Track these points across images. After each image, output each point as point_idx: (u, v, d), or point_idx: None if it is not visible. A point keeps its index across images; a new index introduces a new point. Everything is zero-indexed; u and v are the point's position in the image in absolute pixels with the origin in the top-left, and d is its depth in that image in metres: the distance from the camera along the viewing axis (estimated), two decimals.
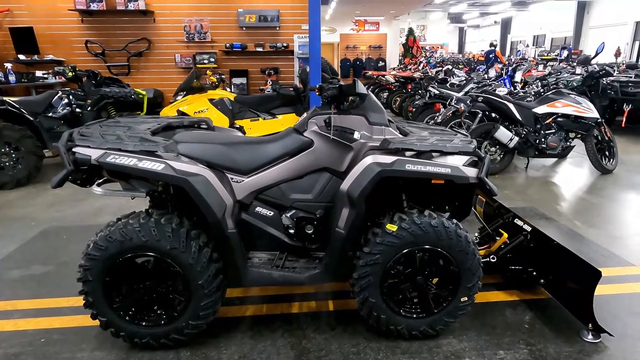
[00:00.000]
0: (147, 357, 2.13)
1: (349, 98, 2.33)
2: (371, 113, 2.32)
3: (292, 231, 2.36)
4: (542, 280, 2.58)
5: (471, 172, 2.10)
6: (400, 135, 2.32)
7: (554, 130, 5.46)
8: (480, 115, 5.83)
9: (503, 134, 5.27)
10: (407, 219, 2.10)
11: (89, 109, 5.74)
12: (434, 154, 2.13)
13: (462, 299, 2.19)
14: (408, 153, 2.12)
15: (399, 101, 10.65)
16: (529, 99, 5.90)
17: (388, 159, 2.04)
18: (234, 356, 2.13)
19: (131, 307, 2.10)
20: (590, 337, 2.24)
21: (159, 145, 2.00)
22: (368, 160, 2.05)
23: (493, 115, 5.92)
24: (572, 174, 5.70)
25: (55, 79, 7.15)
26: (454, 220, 2.16)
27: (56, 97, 5.69)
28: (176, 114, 5.96)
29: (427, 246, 2.11)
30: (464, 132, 2.52)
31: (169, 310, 2.11)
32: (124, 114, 6.03)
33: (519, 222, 2.83)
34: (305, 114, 2.49)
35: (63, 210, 4.27)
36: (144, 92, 6.35)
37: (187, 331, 2.12)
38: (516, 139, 5.31)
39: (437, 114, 6.35)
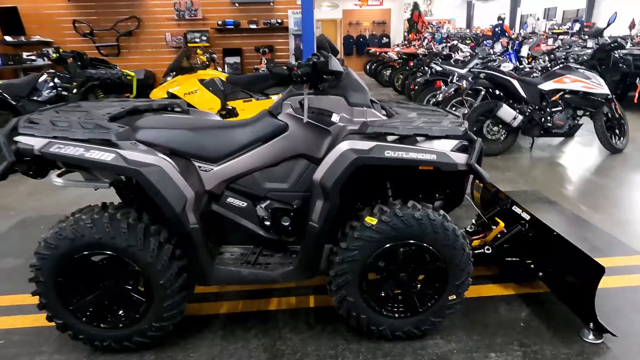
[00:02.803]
0: None
1: (326, 77, 2.10)
2: (351, 93, 2.09)
3: (267, 223, 2.18)
4: (540, 274, 2.37)
5: (460, 157, 1.88)
6: (384, 117, 2.10)
7: (560, 108, 5.16)
8: (483, 93, 5.54)
9: (506, 112, 4.99)
10: (388, 211, 1.89)
11: (74, 91, 5.53)
12: (419, 138, 1.91)
13: (450, 297, 2.00)
14: (390, 137, 1.90)
15: (402, 79, 10.29)
16: (535, 74, 5.58)
17: (366, 144, 1.82)
18: (201, 359, 1.98)
19: (89, 308, 1.94)
20: (591, 337, 2.05)
21: (111, 132, 1.79)
22: (343, 146, 1.83)
23: (497, 92, 5.62)
24: (579, 154, 5.43)
25: (44, 60, 6.94)
26: (441, 212, 1.95)
27: (41, 79, 5.49)
28: (166, 96, 5.75)
29: (410, 241, 1.91)
30: (456, 113, 2.28)
31: (130, 311, 1.95)
32: (111, 96, 5.83)
33: (517, 210, 2.61)
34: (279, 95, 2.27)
35: (42, 199, 4.12)
36: (132, 74, 6.12)
37: (150, 333, 1.97)
38: (520, 117, 5.03)
39: (438, 92, 6.06)
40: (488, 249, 2.50)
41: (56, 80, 5.54)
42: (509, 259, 2.49)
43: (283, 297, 2.43)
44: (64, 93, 5.56)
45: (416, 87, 7.23)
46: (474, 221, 2.94)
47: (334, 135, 2.07)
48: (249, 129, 2.14)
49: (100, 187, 2.08)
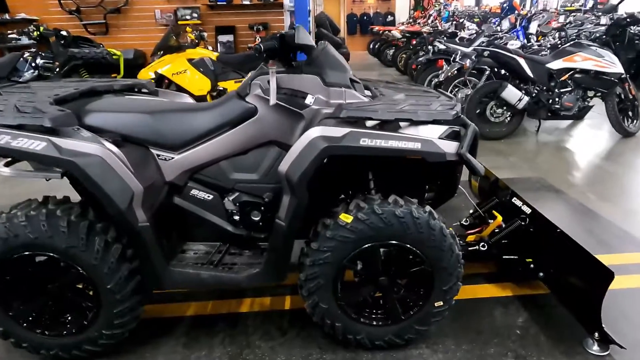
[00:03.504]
0: None
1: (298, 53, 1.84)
2: (328, 71, 1.83)
3: (235, 218, 1.95)
4: (541, 274, 2.13)
5: (449, 146, 1.63)
6: (364, 99, 1.83)
7: (570, 89, 4.83)
8: (488, 73, 5.21)
9: (511, 93, 4.67)
10: (365, 208, 1.65)
11: (56, 71, 5.28)
12: (402, 123, 1.65)
13: (436, 304, 1.78)
14: (369, 123, 1.65)
15: (404, 59, 9.90)
16: (544, 52, 5.23)
17: (338, 131, 1.57)
18: None
19: (32, 314, 1.74)
20: (595, 348, 1.83)
21: (45, 117, 1.55)
22: (312, 133, 1.58)
23: (503, 72, 5.29)
24: (589, 138, 5.12)
25: (29, 39, 6.66)
26: (427, 209, 1.70)
27: (21, 59, 5.23)
28: (153, 76, 5.49)
29: (391, 241, 1.67)
30: (449, 95, 2.01)
31: (78, 318, 1.75)
32: (96, 77, 5.57)
33: (518, 203, 2.36)
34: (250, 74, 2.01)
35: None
36: (118, 53, 5.85)
37: (102, 341, 1.77)
38: (526, 98, 4.71)
39: (440, 72, 5.73)
40: (484, 246, 2.26)
41: (38, 60, 5.29)
42: (507, 256, 2.25)
43: (257, 298, 2.22)
44: (47, 74, 5.31)
45: (418, 67, 6.88)
46: (472, 211, 2.70)
47: (308, 120, 1.81)
48: (214, 113, 1.90)
49: (52, 177, 1.86)
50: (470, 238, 2.37)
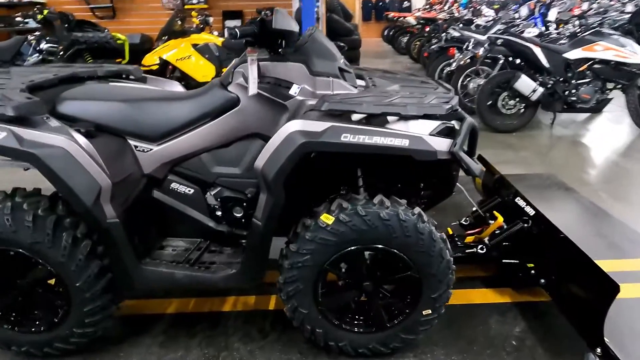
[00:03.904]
0: None
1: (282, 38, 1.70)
2: (315, 59, 1.70)
3: (217, 214, 1.85)
4: (542, 281, 1.99)
5: (441, 143, 1.49)
6: (354, 90, 1.70)
7: (588, 80, 4.58)
8: (501, 62, 4.99)
9: (525, 83, 4.45)
10: (348, 209, 1.53)
11: (59, 55, 5.23)
12: (390, 118, 1.52)
13: (424, 312, 1.66)
14: (355, 117, 1.52)
15: (418, 46, 9.62)
16: (562, 41, 4.97)
17: (318, 125, 1.45)
18: None
19: (1, 310, 1.68)
20: None
21: (8, 105, 1.46)
22: (290, 127, 1.46)
23: (518, 61, 5.05)
24: (607, 132, 4.87)
25: (35, 22, 6.62)
26: (416, 211, 1.57)
27: (25, 43, 5.19)
28: (158, 62, 5.41)
29: (375, 245, 1.56)
30: (448, 87, 1.86)
31: (48, 315, 1.68)
32: (99, 62, 5.50)
33: (521, 203, 2.21)
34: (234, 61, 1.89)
35: None
36: (123, 37, 5.76)
37: (73, 340, 1.70)
38: (541, 90, 4.48)
39: (452, 60, 5.52)
40: (482, 248, 2.13)
41: (43, 43, 5.23)
42: (507, 260, 2.11)
43: (241, 296, 2.13)
44: (50, 57, 5.26)
45: (430, 55, 6.66)
46: (474, 209, 2.55)
47: (292, 112, 1.69)
48: (195, 103, 1.79)
49: (29, 167, 1.78)
50: (469, 239, 2.23)
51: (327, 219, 1.53)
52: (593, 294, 1.68)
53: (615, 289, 1.54)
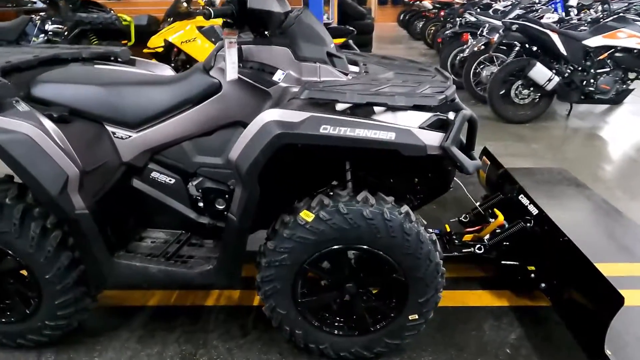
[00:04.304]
0: (3, 357, 1.69)
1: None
2: (301, 43, 1.58)
3: (199, 205, 1.77)
4: (543, 285, 1.86)
5: (432, 137, 1.36)
6: (342, 77, 1.58)
7: (608, 69, 4.34)
8: (517, 49, 4.76)
9: (540, 72, 4.23)
10: (329, 206, 1.42)
11: (64, 36, 5.17)
12: (377, 109, 1.39)
13: (410, 317, 1.55)
14: (340, 106, 1.40)
15: (433, 31, 9.33)
16: (582, 28, 4.71)
17: (296, 115, 1.33)
18: None
19: None
20: None
21: None
22: (266, 116, 1.35)
23: (534, 49, 4.81)
24: (626, 126, 4.63)
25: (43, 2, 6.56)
26: (403, 210, 1.46)
27: (30, 23, 5.14)
28: (163, 44, 5.31)
29: (358, 245, 1.45)
30: (447, 74, 1.72)
31: (19, 307, 1.63)
32: (104, 43, 5.43)
33: (524, 201, 2.07)
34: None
35: None
36: (129, 19, 5.66)
37: (46, 332, 1.65)
38: (557, 79, 4.26)
39: (465, 47, 5.29)
40: (480, 248, 2.00)
41: (48, 24, 5.17)
42: (506, 262, 1.99)
43: (225, 290, 2.06)
44: (55, 39, 5.20)
45: (443, 41, 6.42)
46: (479, 203, 2.41)
47: (275, 99, 1.58)
48: (176, 88, 1.69)
49: None
50: (467, 238, 2.11)
51: (306, 216, 1.43)
52: (596, 303, 1.56)
53: (620, 300, 1.41)
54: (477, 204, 2.43)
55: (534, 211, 1.99)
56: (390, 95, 1.35)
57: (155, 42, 5.27)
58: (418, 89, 1.43)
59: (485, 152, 2.66)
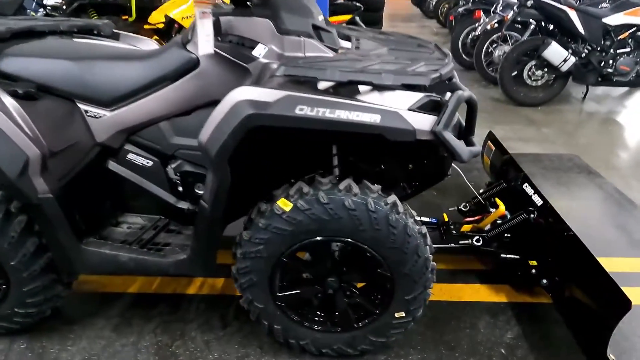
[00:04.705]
0: None
1: None
2: (283, 14, 1.44)
3: (178, 189, 1.66)
4: (544, 281, 1.74)
5: (422, 121, 1.23)
6: (329, 53, 1.44)
7: (628, 49, 4.08)
8: (532, 27, 4.51)
9: (555, 52, 3.99)
10: (309, 194, 1.30)
11: (62, 10, 5.04)
12: (363, 89, 1.25)
13: (396, 315, 1.45)
14: (323, 85, 1.26)
15: (447, 9, 8.97)
16: (603, 4, 4.42)
17: (271, 94, 1.20)
18: (75, 357, 1.58)
19: None
20: None
21: None
22: (237, 95, 1.22)
23: (550, 27, 4.55)
24: None
25: None
26: (390, 200, 1.33)
27: None
28: (164, 20, 5.16)
29: (339, 238, 1.33)
30: (446, 51, 1.56)
31: None
32: (103, 18, 5.29)
33: (529, 190, 1.93)
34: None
35: None
36: None
37: (17, 319, 1.58)
38: (573, 59, 4.03)
39: (477, 24, 5.04)
40: (478, 240, 1.88)
41: None
42: (506, 255, 1.86)
43: (209, 278, 1.97)
44: (54, 13, 5.09)
45: (455, 18, 6.15)
46: (481, 192, 2.27)
47: (255, 76, 1.45)
48: (152, 63, 1.57)
49: None
50: (466, 228, 1.98)
51: (284, 204, 1.31)
52: (600, 305, 1.43)
53: (627, 305, 1.28)
54: (481, 191, 2.29)
55: (538, 201, 1.85)
56: (376, 73, 1.21)
57: (156, 17, 5.12)
58: (410, 67, 1.29)
59: (491, 136, 2.50)
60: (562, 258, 1.68)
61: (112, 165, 1.66)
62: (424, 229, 1.39)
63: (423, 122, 1.22)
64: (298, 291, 1.47)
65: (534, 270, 1.75)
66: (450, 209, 2.19)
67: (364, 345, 1.51)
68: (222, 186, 1.29)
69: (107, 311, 1.79)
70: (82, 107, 1.57)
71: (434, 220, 2.08)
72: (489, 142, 2.48)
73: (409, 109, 1.23)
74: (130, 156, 1.65)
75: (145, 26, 5.23)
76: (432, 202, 2.57)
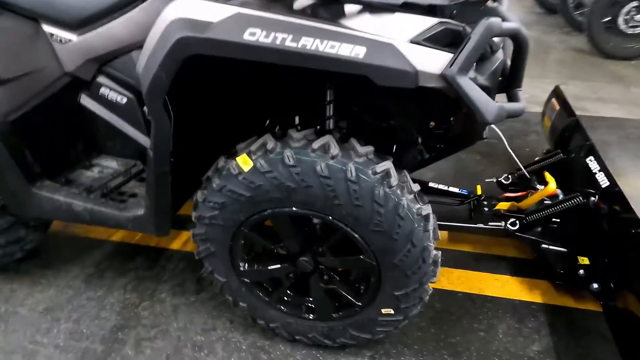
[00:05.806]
0: None
1: None
2: None
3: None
4: (594, 285, 1.34)
5: (428, 59, 0.85)
6: None
7: None
8: None
9: None
10: (274, 152, 1.00)
11: None
12: (349, 9, 0.89)
13: (383, 311, 1.15)
14: (299, 3, 0.91)
15: None
16: None
17: (215, 11, 0.87)
18: (38, 307, 1.48)
19: None
20: None
21: None
22: (171, 12, 0.91)
23: None
24: None
25: None
26: (381, 168, 0.99)
27: None
28: None
29: (309, 212, 1.03)
30: None
31: None
32: None
33: (593, 165, 1.47)
34: None
35: None
36: None
37: None
38: None
39: None
40: (514, 223, 1.48)
41: None
42: (549, 246, 1.46)
43: None
44: None
45: None
46: (528, 165, 1.83)
47: None
48: None
49: None
50: (502, 206, 1.58)
51: (244, 162, 1.02)
52: None
53: None
54: (534, 159, 1.83)
55: (604, 182, 1.40)
56: None
57: None
58: None
59: (557, 92, 1.99)
60: (624, 260, 1.26)
61: (84, 100, 1.45)
62: (427, 210, 1.04)
63: (431, 61, 0.85)
64: (264, 268, 1.21)
65: (582, 271, 1.35)
66: (486, 180, 1.78)
67: (344, 339, 1.25)
68: (160, 132, 1.02)
69: (84, 259, 1.67)
70: (47, 29, 1.35)
71: (464, 191, 1.69)
72: (553, 99, 1.97)
73: (411, 41, 0.85)
74: (103, 90, 1.42)
75: None
76: (471, 168, 2.16)
